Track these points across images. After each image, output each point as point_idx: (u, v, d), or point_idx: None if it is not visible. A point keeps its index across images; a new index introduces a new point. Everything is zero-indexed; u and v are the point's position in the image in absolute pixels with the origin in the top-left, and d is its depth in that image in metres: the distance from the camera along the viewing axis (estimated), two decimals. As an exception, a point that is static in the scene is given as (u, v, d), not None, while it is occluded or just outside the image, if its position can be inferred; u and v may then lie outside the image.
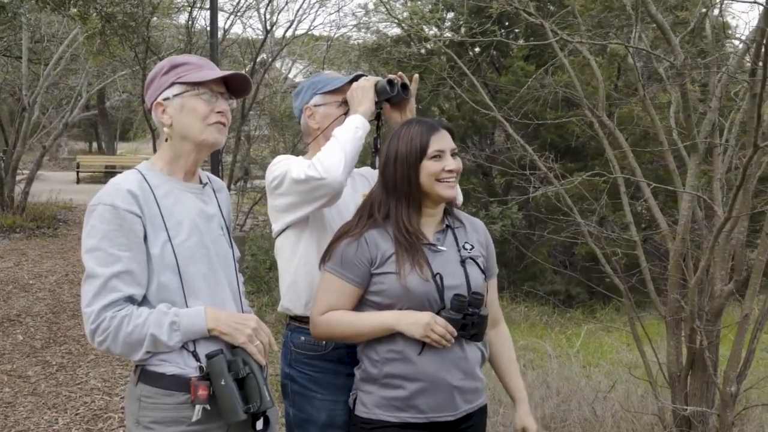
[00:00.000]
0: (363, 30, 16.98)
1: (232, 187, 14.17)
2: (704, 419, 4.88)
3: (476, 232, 2.96)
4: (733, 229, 4.64)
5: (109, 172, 28.75)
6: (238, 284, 2.69)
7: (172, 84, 2.52)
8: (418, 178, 2.75)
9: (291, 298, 3.07)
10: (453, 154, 2.79)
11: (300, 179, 2.81)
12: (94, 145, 39.16)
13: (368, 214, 2.81)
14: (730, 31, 7.44)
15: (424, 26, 11.89)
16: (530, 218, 11.63)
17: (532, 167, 5.55)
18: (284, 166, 2.92)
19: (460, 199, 3.17)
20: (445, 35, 11.69)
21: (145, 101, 2.62)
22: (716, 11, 5.92)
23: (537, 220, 11.71)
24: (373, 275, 2.74)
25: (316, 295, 2.85)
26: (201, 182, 2.67)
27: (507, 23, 12.03)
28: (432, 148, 2.74)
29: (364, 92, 3.02)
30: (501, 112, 5.80)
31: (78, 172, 28.96)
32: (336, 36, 17.52)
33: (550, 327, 9.94)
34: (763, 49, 3.54)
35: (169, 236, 2.44)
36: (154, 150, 16.77)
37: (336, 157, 2.81)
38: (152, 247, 2.41)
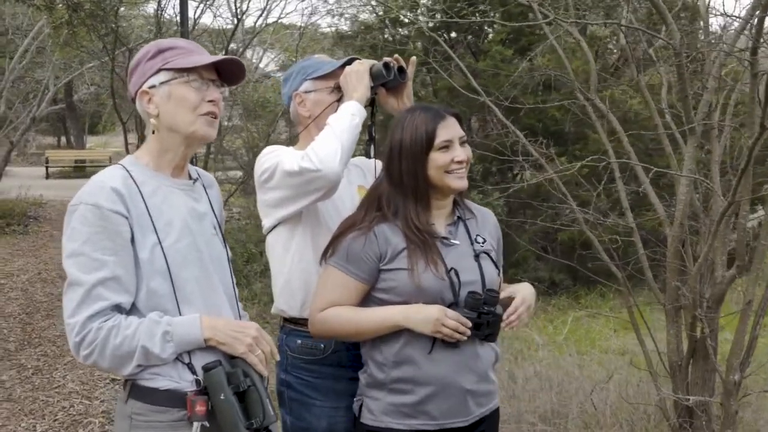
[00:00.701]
0: (336, 17, 16.77)
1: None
2: (706, 408, 4.76)
3: (486, 224, 2.79)
4: (736, 214, 4.51)
5: (79, 167, 28.41)
6: (233, 288, 2.48)
7: (159, 70, 2.29)
8: (426, 172, 2.57)
9: (285, 299, 2.90)
10: (462, 143, 2.61)
11: (293, 171, 2.63)
12: (63, 139, 38.62)
13: (376, 207, 2.61)
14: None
15: (401, 12, 11.71)
16: (510, 205, 11.49)
17: (524, 153, 5.39)
18: (275, 158, 2.74)
19: None
20: (422, 19, 11.52)
21: (129, 89, 2.39)
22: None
23: (518, 206, 11.58)
24: (382, 271, 2.56)
25: (316, 291, 2.67)
26: (191, 178, 2.46)
27: (483, 6, 11.86)
28: (439, 139, 2.56)
29: (358, 77, 2.84)
30: (483, 98, 5.61)
31: (47, 167, 28.43)
32: (307, 24, 17.32)
33: (535, 315, 9.82)
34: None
35: (158, 238, 2.22)
36: (125, 143, 16.55)
37: (332, 147, 2.62)
38: (140, 250, 2.20)
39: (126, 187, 2.22)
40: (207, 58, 2.31)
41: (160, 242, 2.23)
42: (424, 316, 2.49)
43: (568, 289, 11.13)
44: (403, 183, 2.58)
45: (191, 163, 2.51)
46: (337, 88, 2.91)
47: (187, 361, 2.22)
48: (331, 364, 2.83)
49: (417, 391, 2.54)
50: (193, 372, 2.21)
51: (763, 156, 6.03)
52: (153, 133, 2.33)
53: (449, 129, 2.59)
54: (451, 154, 2.57)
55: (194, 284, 2.28)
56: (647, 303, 6.80)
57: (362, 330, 2.59)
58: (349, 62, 2.92)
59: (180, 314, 2.24)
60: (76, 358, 2.19)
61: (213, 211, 2.48)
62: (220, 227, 2.51)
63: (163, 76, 2.29)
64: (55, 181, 25.49)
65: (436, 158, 2.56)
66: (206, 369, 2.17)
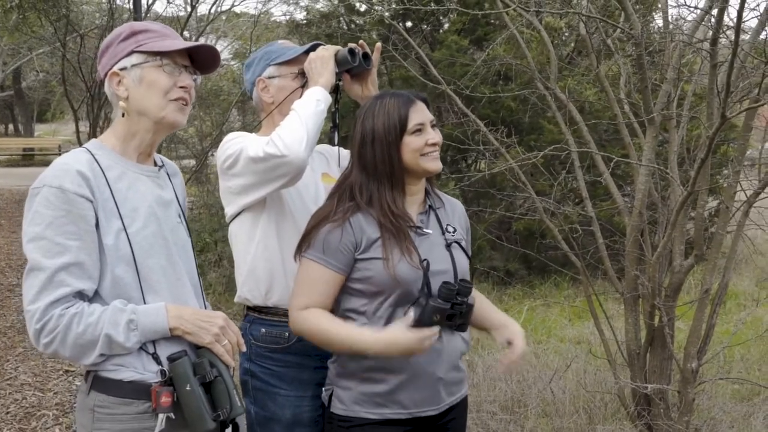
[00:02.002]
0: (291, 5, 16.63)
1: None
2: (664, 396, 4.80)
3: (455, 213, 2.79)
4: (694, 203, 4.55)
5: (27, 155, 27.95)
6: (198, 277, 2.43)
7: (131, 52, 2.24)
8: (401, 156, 2.55)
9: (249, 288, 2.87)
10: (432, 126, 2.60)
11: (258, 157, 2.58)
12: (11, 127, 38.03)
13: (349, 197, 2.58)
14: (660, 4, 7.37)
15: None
16: (465, 194, 11.51)
17: (481, 142, 5.38)
18: (239, 144, 2.69)
19: None
20: (378, 8, 11.46)
21: (98, 71, 2.33)
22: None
23: (473, 195, 11.60)
24: (357, 260, 2.53)
25: (295, 287, 2.62)
26: (155, 165, 2.40)
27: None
28: (412, 122, 2.55)
29: (323, 62, 2.81)
30: (441, 88, 5.59)
31: (-7, 155, 27.99)
32: (261, 12, 17.17)
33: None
34: (736, 16, 3.40)
35: (123, 224, 2.16)
36: (77, 132, 16.26)
37: (298, 133, 2.58)
38: (105, 236, 2.13)
39: (91, 170, 2.15)
40: (181, 43, 2.27)
41: (125, 228, 2.17)
42: (402, 350, 2.43)
43: (523, 279, 11.17)
44: (378, 170, 2.56)
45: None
46: (302, 74, 2.89)
47: (151, 351, 2.16)
48: (295, 352, 2.80)
49: (389, 380, 2.53)
50: (158, 362, 2.16)
51: (716, 146, 6.09)
52: (122, 116, 2.28)
53: (420, 113, 2.58)
54: (425, 136, 2.56)
55: (160, 273, 2.23)
56: (601, 292, 6.84)
57: (332, 345, 2.56)
58: (314, 48, 2.89)
59: (145, 303, 2.18)
60: (36, 347, 2.12)
61: (177, 199, 2.43)
62: (184, 215, 2.46)
63: (135, 59, 2.25)
64: (2, 170, 25.04)
65: (410, 142, 2.55)
66: (172, 359, 2.13)
